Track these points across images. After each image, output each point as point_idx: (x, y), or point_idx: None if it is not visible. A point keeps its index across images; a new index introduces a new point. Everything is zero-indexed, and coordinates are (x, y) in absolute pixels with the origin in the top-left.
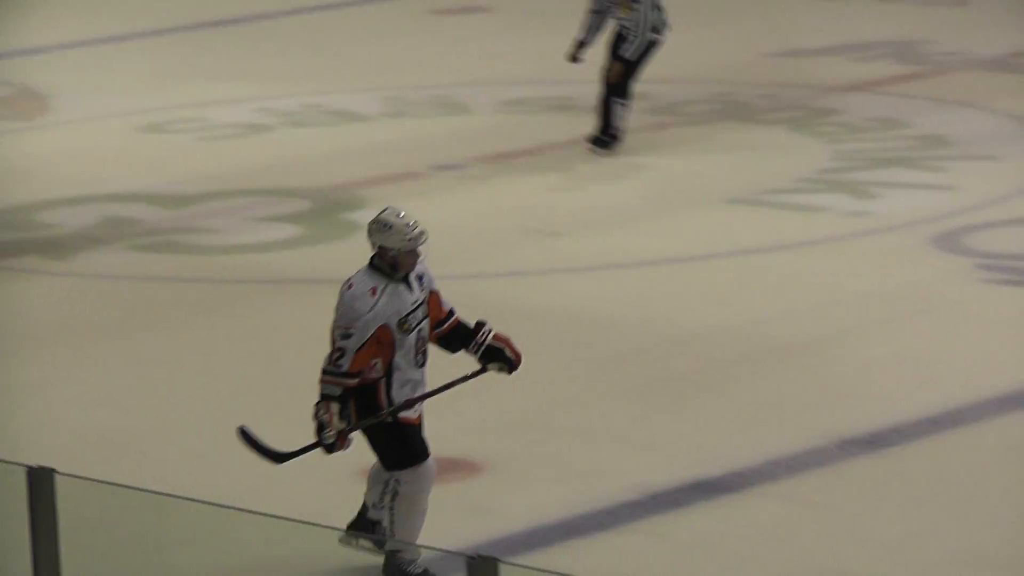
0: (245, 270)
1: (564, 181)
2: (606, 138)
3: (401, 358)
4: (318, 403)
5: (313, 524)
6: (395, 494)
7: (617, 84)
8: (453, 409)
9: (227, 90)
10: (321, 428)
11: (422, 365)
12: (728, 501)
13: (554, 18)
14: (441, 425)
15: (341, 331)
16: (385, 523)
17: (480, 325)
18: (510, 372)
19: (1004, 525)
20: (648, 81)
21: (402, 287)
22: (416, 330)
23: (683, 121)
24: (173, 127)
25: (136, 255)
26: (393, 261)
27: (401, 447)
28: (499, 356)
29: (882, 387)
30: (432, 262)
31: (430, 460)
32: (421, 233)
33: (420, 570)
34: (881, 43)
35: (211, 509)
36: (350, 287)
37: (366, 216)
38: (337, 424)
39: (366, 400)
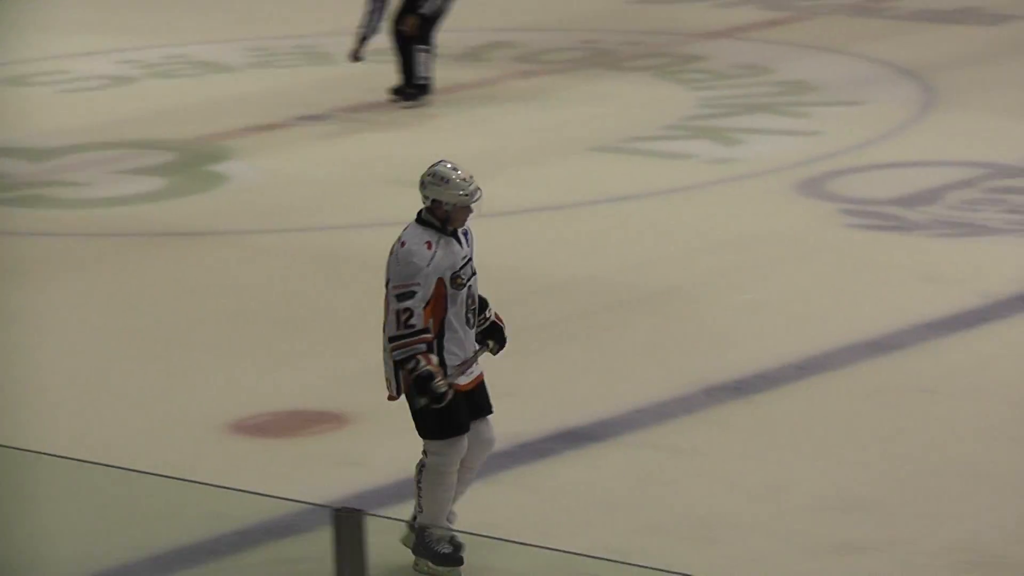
0: (111, 223)
1: (430, 130)
2: (412, 89)
3: (453, 316)
4: (411, 362)
5: (178, 479)
6: (422, 466)
7: (416, 35)
8: (318, 361)
9: (89, 42)
10: (428, 379)
11: (473, 325)
12: (596, 449)
13: None
14: (306, 377)
15: (400, 291)
16: (415, 499)
17: (485, 302)
18: (496, 352)
19: (871, 469)
20: (513, 29)
21: (453, 241)
22: (467, 286)
23: (548, 69)
24: (35, 79)
25: (0, 209)
26: (446, 216)
27: (440, 415)
28: (498, 335)
29: (747, 333)
30: (298, 213)
31: (464, 438)
32: (477, 189)
33: (448, 549)
34: None
35: (75, 465)
36: (403, 244)
37: (231, 167)
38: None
39: None
